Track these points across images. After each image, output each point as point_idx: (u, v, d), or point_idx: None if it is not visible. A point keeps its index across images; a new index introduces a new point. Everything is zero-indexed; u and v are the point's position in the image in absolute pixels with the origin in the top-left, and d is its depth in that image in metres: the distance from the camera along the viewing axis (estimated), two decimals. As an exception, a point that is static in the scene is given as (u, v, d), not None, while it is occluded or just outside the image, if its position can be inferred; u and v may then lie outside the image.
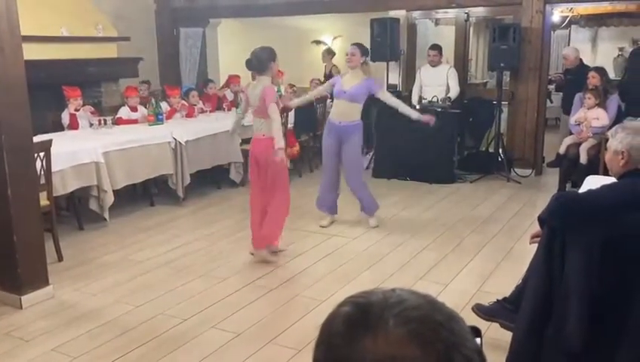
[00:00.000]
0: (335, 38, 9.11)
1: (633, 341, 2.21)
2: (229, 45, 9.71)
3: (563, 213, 2.41)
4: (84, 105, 6.01)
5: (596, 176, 4.06)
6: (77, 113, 5.83)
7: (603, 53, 11.54)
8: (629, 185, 2.29)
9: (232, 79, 7.93)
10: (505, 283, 3.51)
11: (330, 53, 8.98)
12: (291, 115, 6.81)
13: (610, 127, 4.41)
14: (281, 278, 4.01)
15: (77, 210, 5.19)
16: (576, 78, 6.74)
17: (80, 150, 4.88)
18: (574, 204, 2.43)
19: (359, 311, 0.69)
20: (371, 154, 7.32)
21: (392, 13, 7.42)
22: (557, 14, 9.25)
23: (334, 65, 8.77)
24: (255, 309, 3.55)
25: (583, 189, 3.23)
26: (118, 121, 6.08)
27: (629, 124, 2.45)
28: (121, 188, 5.28)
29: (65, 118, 5.81)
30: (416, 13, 7.64)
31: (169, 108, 6.48)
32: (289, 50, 9.21)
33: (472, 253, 4.46)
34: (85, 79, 6.86)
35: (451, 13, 7.50)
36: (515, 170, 6.86)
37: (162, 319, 3.43)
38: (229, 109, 7.20)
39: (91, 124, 5.73)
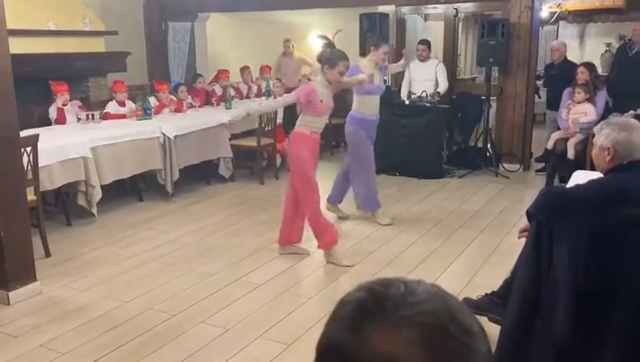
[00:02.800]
0: (336, 32, 9.09)
1: (619, 334, 2.24)
2: (218, 40, 9.66)
3: (550, 207, 2.43)
4: (71, 99, 5.96)
5: (584, 171, 4.10)
6: (65, 108, 5.78)
7: (591, 48, 11.61)
8: (616, 180, 2.32)
9: (222, 74, 7.89)
10: (493, 277, 3.54)
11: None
12: (280, 110, 6.79)
13: (598, 122, 4.44)
14: (270, 273, 4.00)
15: (65, 205, 5.15)
16: (560, 73, 6.79)
17: (67, 145, 4.84)
18: (562, 198, 2.45)
19: (373, 300, 0.67)
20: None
21: (382, 9, 7.42)
22: (545, 10, 9.31)
23: None
24: (244, 304, 3.54)
25: (570, 184, 3.26)
26: (106, 116, 6.04)
27: (615, 120, 2.47)
28: (109, 183, 5.24)
29: (52, 112, 5.76)
30: (405, 9, 7.64)
31: (157, 103, 6.44)
32: (278, 45, 9.20)
33: (460, 247, 4.48)
34: (72, 73, 6.79)
35: (440, 8, 7.51)
36: (504, 165, 6.90)
37: (151, 314, 3.42)
38: (218, 104, 7.18)
39: (79, 119, 5.68)
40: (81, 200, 5.02)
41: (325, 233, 4.17)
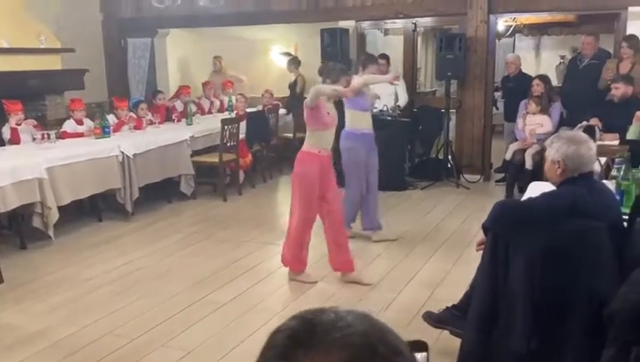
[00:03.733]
0: (295, 45, 9.14)
1: (575, 344, 2.28)
2: (179, 56, 9.59)
3: (505, 220, 2.48)
4: (25, 118, 5.82)
5: (540, 182, 4.19)
6: (19, 127, 5.64)
7: (546, 60, 11.97)
8: (567, 193, 2.37)
9: (183, 89, 7.83)
10: (455, 289, 3.55)
11: (295, 62, 8.97)
12: (243, 125, 6.77)
13: (554, 133, 4.55)
14: (232, 293, 3.95)
15: (19, 228, 4.99)
16: (516, 86, 6.96)
17: (21, 166, 4.70)
18: (516, 211, 2.50)
19: (305, 328, 0.69)
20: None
21: (342, 24, 7.49)
22: (501, 24, 9.55)
23: (300, 74, 8.79)
24: (206, 325, 3.49)
25: (527, 195, 3.33)
26: (63, 135, 5.90)
27: (564, 134, 2.53)
28: (66, 204, 5.11)
29: (5, 132, 5.61)
30: (365, 24, 7.73)
31: (116, 121, 6.33)
32: (239, 60, 9.19)
33: (423, 260, 4.51)
34: (28, 92, 6.64)
35: (399, 23, 7.62)
36: (464, 176, 7.00)
37: (110, 339, 3.33)
38: (179, 120, 7.10)
39: (34, 139, 5.54)
40: (37, 223, 4.88)
41: (298, 255, 4.12)
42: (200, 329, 3.43)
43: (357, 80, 4.56)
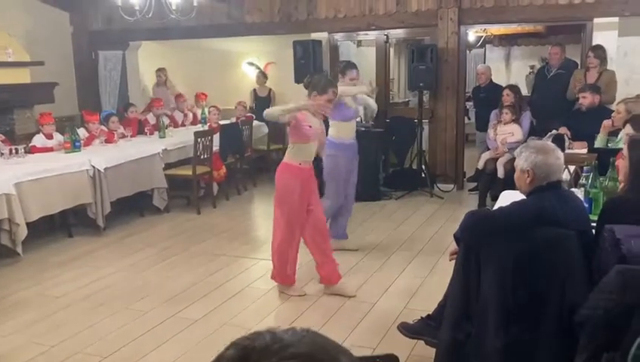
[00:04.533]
0: (268, 64, 9.19)
1: (547, 352, 2.30)
2: (151, 68, 9.52)
3: (476, 230, 2.50)
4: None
5: (512, 191, 4.24)
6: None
7: (516, 70, 12.19)
8: (537, 201, 2.40)
9: (155, 102, 7.76)
10: (430, 299, 3.56)
11: (264, 76, 9.01)
12: (216, 137, 6.73)
13: (524, 141, 4.61)
14: (206, 308, 3.89)
15: (-14, 245, 4.88)
16: (487, 96, 7.06)
17: (-12, 182, 4.60)
18: (486, 221, 2.52)
19: (240, 355, 0.69)
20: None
21: (315, 36, 7.52)
22: (472, 35, 9.71)
23: (271, 88, 8.82)
24: (179, 342, 3.43)
25: (499, 204, 3.37)
26: (32, 150, 5.79)
27: (533, 143, 2.56)
28: (36, 219, 5.00)
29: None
30: (338, 35, 7.77)
31: (87, 135, 6.24)
32: (212, 72, 9.17)
33: (398, 270, 4.52)
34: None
35: (372, 35, 7.68)
36: (438, 185, 7.06)
37: (80, 358, 3.25)
38: (152, 133, 7.03)
39: (2, 154, 5.42)
40: (5, 240, 4.76)
41: (283, 271, 4.09)
42: (172, 347, 3.37)
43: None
